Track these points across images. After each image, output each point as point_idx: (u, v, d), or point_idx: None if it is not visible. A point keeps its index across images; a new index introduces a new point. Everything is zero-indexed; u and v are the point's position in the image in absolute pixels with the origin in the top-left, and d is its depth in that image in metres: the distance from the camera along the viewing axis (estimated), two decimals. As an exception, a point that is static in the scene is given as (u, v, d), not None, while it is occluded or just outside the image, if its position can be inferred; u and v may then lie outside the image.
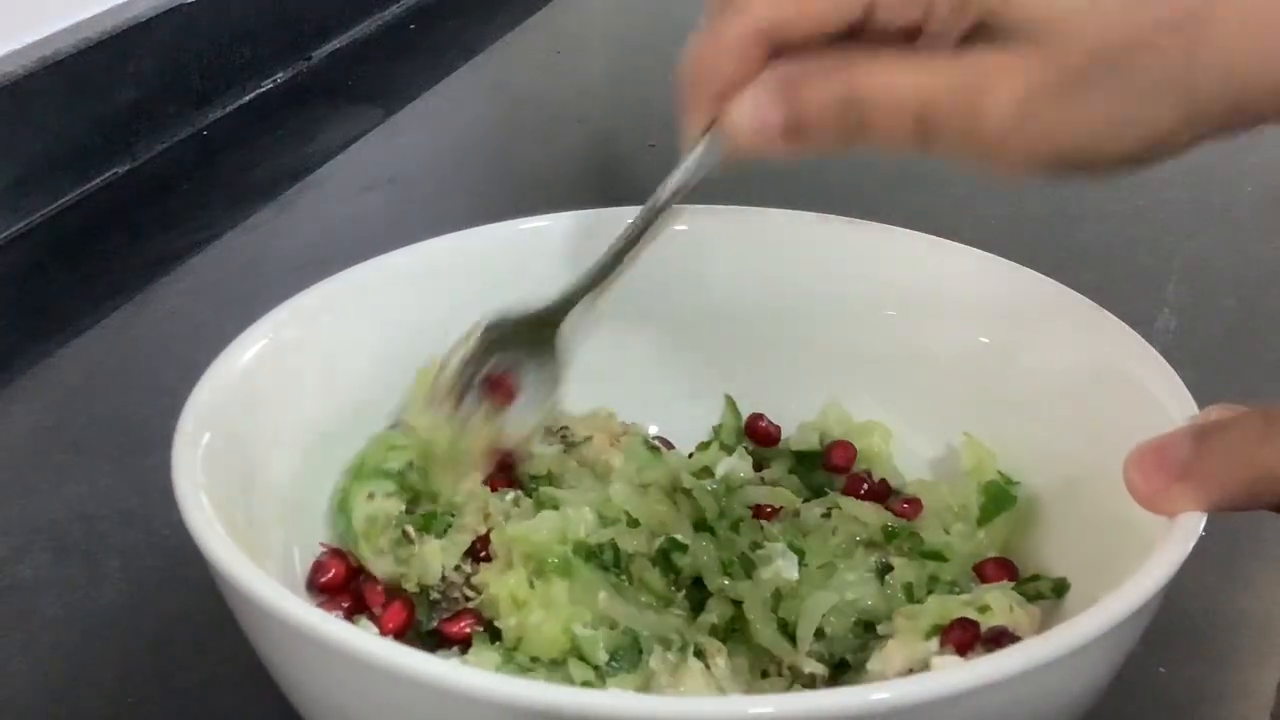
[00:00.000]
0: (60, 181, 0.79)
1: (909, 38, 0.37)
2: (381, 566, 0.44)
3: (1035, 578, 0.43)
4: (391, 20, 1.08)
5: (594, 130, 0.93)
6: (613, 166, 0.87)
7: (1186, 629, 0.46)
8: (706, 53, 0.40)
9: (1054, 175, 0.38)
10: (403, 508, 0.46)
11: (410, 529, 0.44)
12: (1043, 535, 0.45)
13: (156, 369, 0.64)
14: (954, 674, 0.31)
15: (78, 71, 0.79)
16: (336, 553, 0.45)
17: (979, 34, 0.36)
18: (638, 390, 0.51)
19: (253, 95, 0.94)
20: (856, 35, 0.38)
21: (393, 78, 0.99)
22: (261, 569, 0.35)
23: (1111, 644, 0.33)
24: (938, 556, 0.44)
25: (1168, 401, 0.40)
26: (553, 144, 0.90)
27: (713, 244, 0.51)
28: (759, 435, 0.51)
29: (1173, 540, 0.34)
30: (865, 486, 0.49)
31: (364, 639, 0.32)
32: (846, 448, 0.50)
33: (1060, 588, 0.42)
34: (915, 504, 0.47)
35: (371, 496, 0.45)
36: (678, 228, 0.50)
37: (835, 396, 0.50)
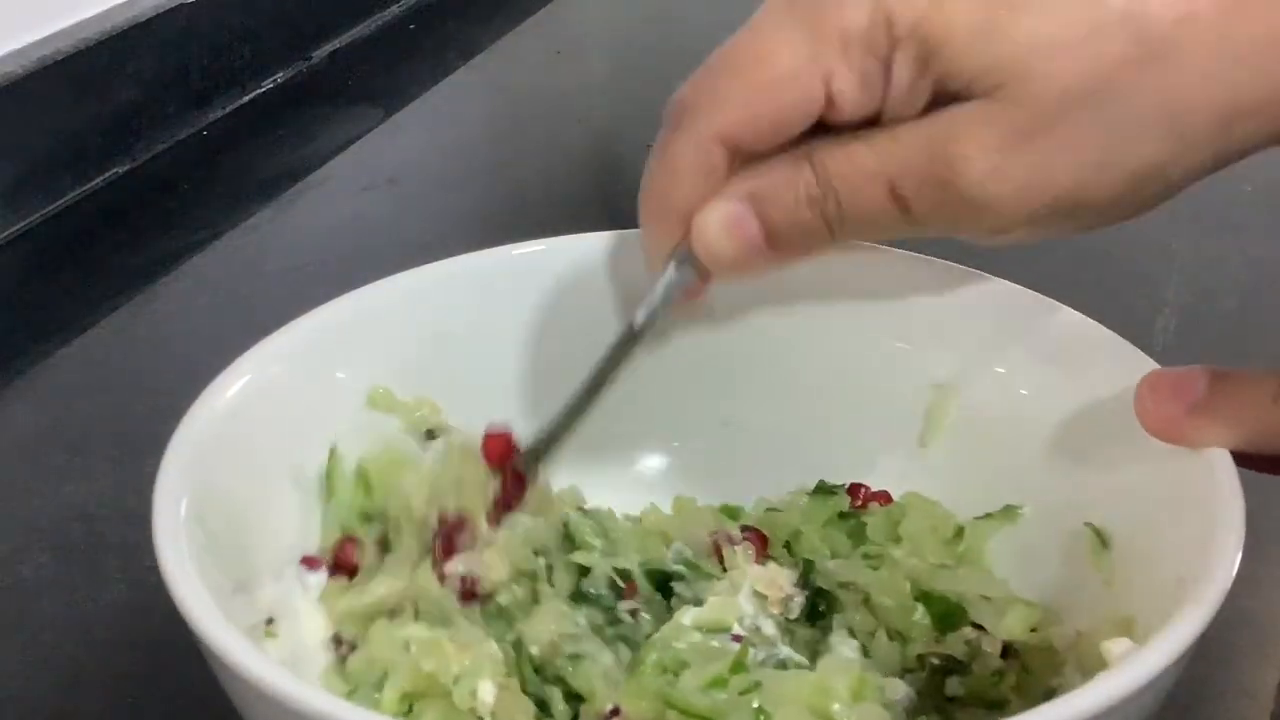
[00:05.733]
0: (60, 181, 0.79)
1: (872, 123, 0.36)
2: None
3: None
4: (391, 20, 1.08)
5: (594, 130, 0.93)
6: (613, 166, 0.87)
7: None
8: (664, 171, 0.39)
9: (1044, 230, 0.36)
10: None
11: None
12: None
13: (156, 369, 0.65)
14: None
15: (78, 71, 0.79)
16: None
17: (941, 102, 0.35)
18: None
19: (253, 95, 0.94)
20: (820, 132, 0.37)
21: (393, 78, 0.99)
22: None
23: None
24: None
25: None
26: (553, 144, 0.90)
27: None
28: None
29: (1212, 581, 0.34)
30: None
31: None
32: None
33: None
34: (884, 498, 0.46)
35: None
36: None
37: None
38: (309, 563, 0.42)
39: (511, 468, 0.43)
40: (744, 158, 0.38)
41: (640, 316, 0.41)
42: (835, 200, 0.37)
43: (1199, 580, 0.34)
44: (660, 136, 0.39)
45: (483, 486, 0.42)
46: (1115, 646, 0.35)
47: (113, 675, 0.47)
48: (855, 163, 0.36)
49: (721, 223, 0.38)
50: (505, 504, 0.42)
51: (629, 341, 0.42)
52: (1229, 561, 0.34)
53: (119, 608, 0.50)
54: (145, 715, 0.46)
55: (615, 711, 0.38)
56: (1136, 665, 0.32)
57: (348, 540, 0.43)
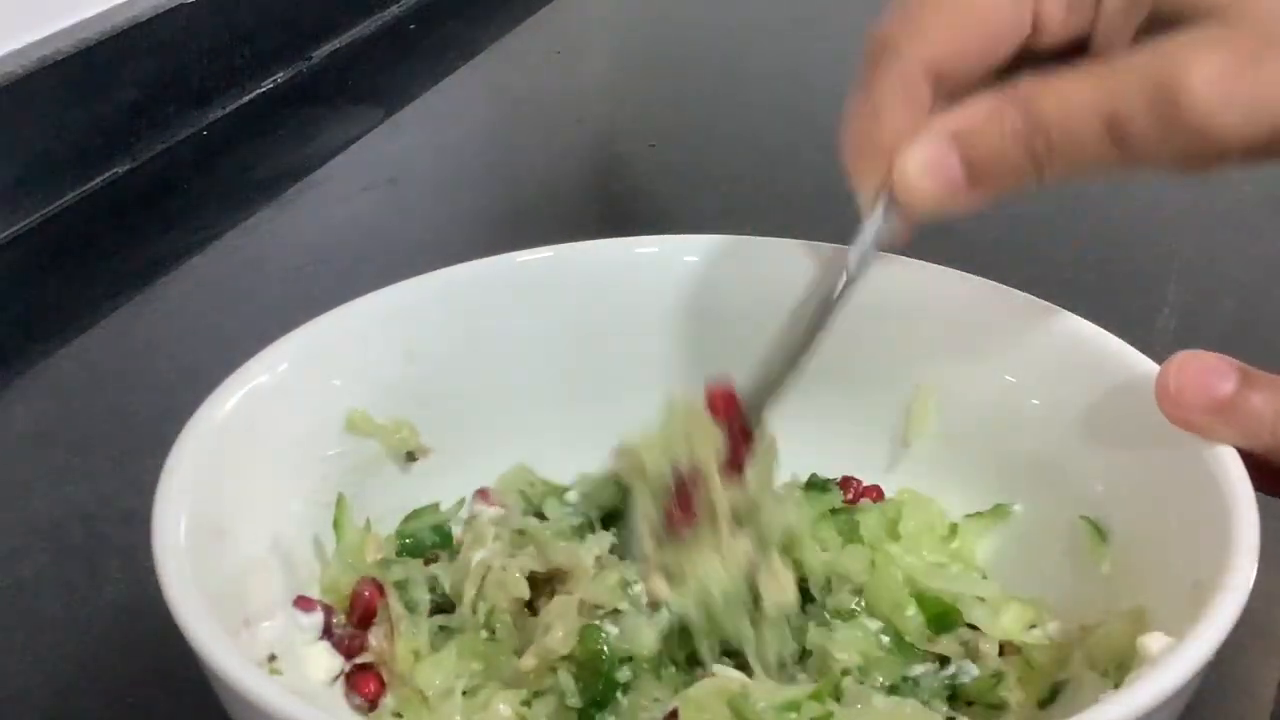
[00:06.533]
0: (60, 181, 0.79)
1: (1077, 53, 0.35)
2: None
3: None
4: (391, 20, 1.08)
5: (594, 130, 0.93)
6: (613, 166, 0.87)
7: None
8: (867, 109, 0.38)
9: (1261, 159, 0.35)
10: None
11: None
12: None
13: (156, 369, 0.65)
14: None
15: (78, 71, 0.79)
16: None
17: (1152, 30, 0.34)
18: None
19: (253, 95, 0.94)
20: (1022, 64, 0.36)
21: (393, 78, 0.99)
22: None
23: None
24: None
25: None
26: (553, 144, 0.90)
27: (718, 275, 0.49)
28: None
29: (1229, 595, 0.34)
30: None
31: None
32: None
33: None
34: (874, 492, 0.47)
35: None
36: (689, 259, 0.48)
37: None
38: (303, 604, 0.41)
39: (737, 421, 0.42)
40: (947, 92, 0.37)
41: (853, 261, 0.40)
42: (1045, 136, 0.35)
43: (1222, 570, 0.34)
44: (861, 75, 0.38)
45: (712, 440, 0.42)
46: (1153, 642, 0.35)
47: (113, 675, 0.47)
48: (1068, 95, 0.34)
49: (922, 164, 0.37)
50: (735, 457, 0.42)
51: (844, 287, 0.41)
52: (1249, 549, 0.34)
53: (119, 608, 0.50)
54: (145, 715, 0.46)
55: (673, 715, 0.37)
56: (1189, 654, 0.32)
57: (369, 583, 0.42)
